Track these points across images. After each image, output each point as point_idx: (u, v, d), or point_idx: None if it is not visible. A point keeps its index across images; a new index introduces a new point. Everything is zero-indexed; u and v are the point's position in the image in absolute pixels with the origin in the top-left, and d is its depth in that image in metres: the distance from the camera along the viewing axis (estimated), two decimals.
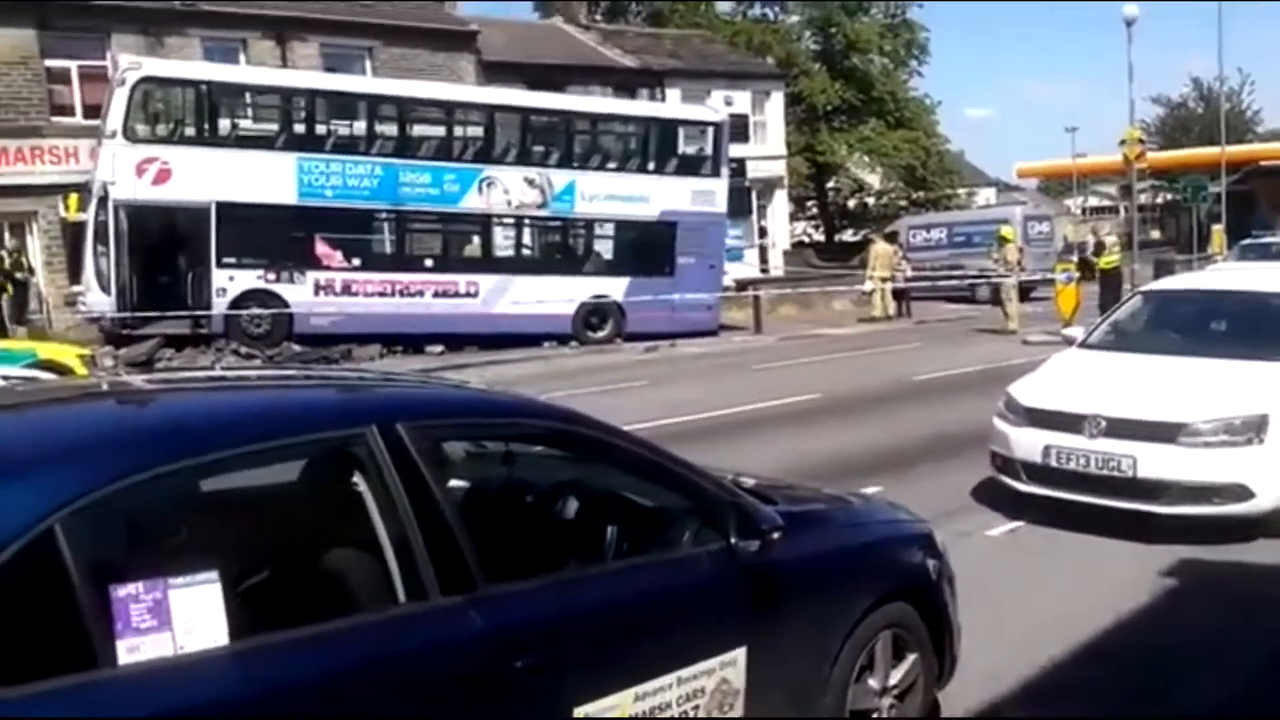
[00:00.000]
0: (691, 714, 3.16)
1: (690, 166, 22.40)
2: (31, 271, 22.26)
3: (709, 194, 22.07)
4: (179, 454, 2.59)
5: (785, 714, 3.50)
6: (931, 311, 25.01)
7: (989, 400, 7.96)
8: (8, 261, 21.79)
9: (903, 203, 45.92)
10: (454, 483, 3.40)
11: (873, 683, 3.75)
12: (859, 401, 12.61)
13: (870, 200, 48.19)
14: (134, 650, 2.28)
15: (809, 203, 47.62)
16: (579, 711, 2.88)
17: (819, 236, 47.87)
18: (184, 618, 2.34)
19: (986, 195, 61.26)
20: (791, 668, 3.50)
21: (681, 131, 23.12)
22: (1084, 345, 8.36)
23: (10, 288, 21.42)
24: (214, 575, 2.41)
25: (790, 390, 13.36)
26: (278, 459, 2.93)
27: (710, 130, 22.85)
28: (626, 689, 2.99)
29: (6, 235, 22.48)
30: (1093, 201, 68.85)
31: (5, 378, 6.65)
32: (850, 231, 47.54)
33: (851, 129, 44.18)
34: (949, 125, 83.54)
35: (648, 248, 21.55)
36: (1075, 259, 23.32)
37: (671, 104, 29.86)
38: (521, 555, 3.10)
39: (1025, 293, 26.42)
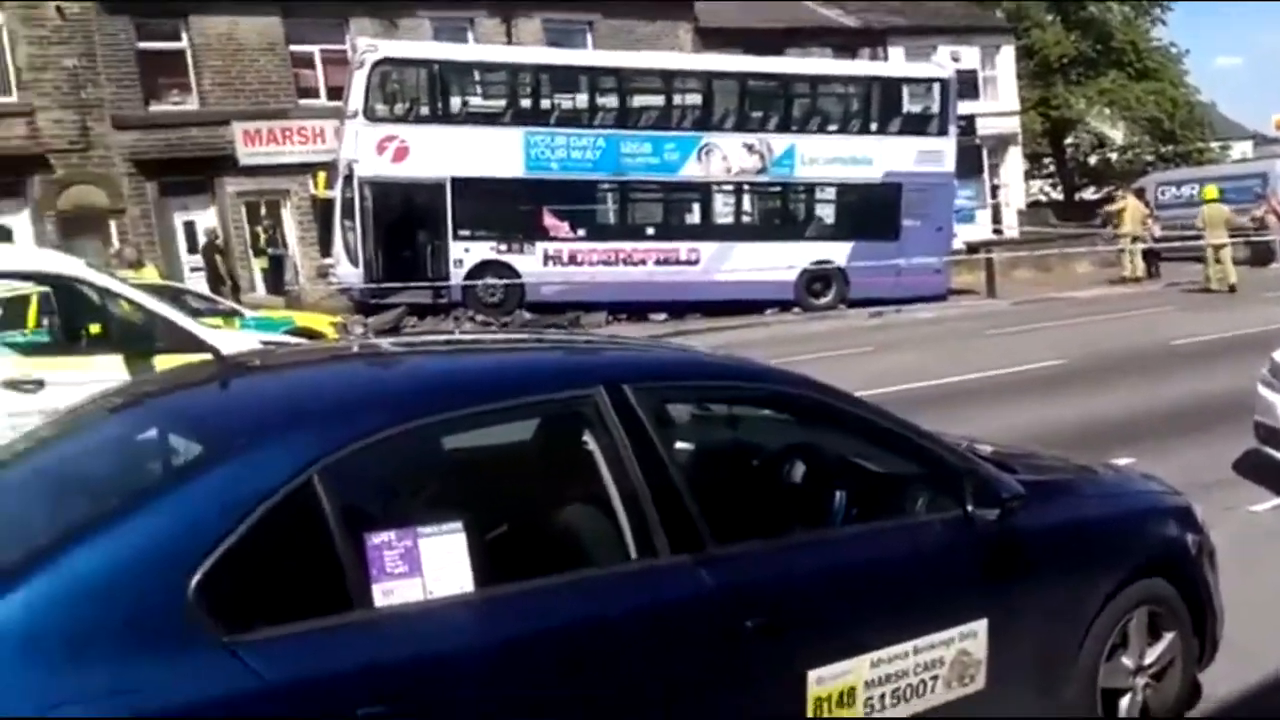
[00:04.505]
0: (930, 683, 3.07)
1: (915, 126, 21.61)
2: (285, 246, 23.89)
3: (936, 154, 21.25)
4: (423, 411, 2.71)
5: (1030, 688, 3.35)
6: (1182, 273, 23.26)
7: (1251, 367, 7.33)
8: (263, 237, 23.54)
9: (1149, 158, 42.93)
10: (680, 445, 3.41)
11: (1126, 661, 3.54)
12: (1107, 368, 11.83)
13: (1113, 156, 45.29)
14: (388, 594, 2.39)
15: (1045, 160, 45.22)
16: (812, 674, 2.85)
17: (1057, 195, 45.45)
18: (433, 565, 2.44)
19: (1242, 149, 56.44)
20: (1037, 642, 3.34)
21: (906, 90, 22.36)
22: None
23: (268, 261, 23.12)
24: (459, 526, 2.50)
25: (1030, 356, 12.72)
26: (512, 418, 3.02)
27: (936, 87, 21.95)
28: (860, 655, 2.93)
29: (263, 212, 24.17)
30: None
31: (267, 343, 7.16)
32: (1091, 190, 44.90)
33: (1089, 81, 41.59)
34: (1198, 75, 76.67)
35: (871, 211, 20.95)
36: None
37: (894, 63, 28.95)
38: (748, 517, 3.08)
39: None
